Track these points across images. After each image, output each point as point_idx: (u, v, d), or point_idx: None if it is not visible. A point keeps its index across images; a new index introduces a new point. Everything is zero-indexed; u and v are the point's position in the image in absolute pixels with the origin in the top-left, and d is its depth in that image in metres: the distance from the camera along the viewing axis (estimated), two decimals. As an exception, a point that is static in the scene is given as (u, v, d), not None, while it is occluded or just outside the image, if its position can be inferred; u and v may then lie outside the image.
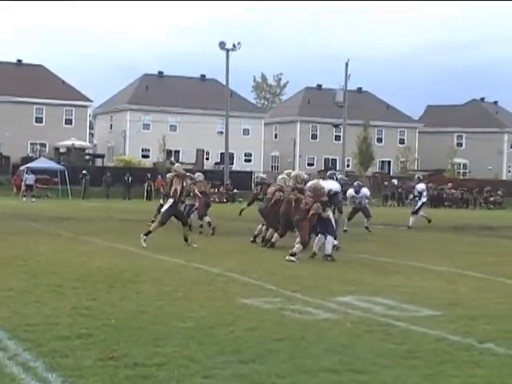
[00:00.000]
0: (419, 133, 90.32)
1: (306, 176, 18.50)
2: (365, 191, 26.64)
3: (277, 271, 13.85)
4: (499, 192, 66.78)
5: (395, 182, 61.38)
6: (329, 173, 18.56)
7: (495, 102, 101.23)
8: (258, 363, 6.96)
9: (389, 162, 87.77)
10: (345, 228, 24.28)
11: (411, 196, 29.94)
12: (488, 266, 15.88)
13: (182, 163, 35.98)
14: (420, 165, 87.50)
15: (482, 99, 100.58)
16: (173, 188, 18.14)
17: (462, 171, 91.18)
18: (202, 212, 23.03)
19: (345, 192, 24.32)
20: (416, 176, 30.99)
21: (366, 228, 26.01)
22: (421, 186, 29.80)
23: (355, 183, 27.05)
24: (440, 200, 63.87)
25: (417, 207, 29.22)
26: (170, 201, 18.07)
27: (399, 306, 10.41)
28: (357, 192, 26.23)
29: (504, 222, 34.23)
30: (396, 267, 15.35)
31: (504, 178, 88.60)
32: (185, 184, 18.71)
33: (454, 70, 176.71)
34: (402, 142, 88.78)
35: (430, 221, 29.23)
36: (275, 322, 8.94)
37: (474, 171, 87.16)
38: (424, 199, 29.43)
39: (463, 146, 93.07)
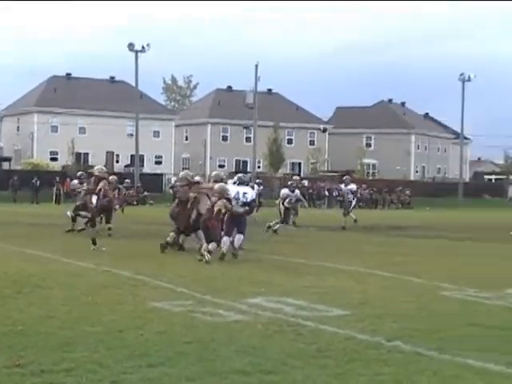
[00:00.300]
0: (329, 134, 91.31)
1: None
2: (297, 192, 27.82)
3: (187, 274, 13.78)
4: (407, 192, 67.99)
5: (305, 183, 61.98)
6: (236, 177, 18.57)
7: (403, 104, 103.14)
8: (168, 366, 6.91)
9: (299, 163, 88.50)
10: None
11: (343, 196, 30.29)
12: (396, 266, 16.14)
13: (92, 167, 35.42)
14: (330, 166, 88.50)
15: (390, 100, 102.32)
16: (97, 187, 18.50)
17: (371, 172, 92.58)
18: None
19: (303, 195, 25.22)
20: (345, 177, 31.55)
21: (294, 223, 27.70)
22: (353, 186, 30.45)
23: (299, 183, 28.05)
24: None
25: (352, 207, 29.74)
26: (95, 197, 18.32)
27: (310, 306, 10.47)
28: (292, 191, 27.30)
29: (412, 222, 34.86)
30: (307, 268, 15.45)
31: (412, 178, 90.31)
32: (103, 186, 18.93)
33: (363, 71, 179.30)
34: (312, 143, 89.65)
35: (355, 220, 29.53)
36: (185, 324, 8.90)
37: (382, 171, 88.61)
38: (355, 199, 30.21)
39: (372, 146, 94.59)
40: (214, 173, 19.99)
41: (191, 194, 17.68)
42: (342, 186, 29.97)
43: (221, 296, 11.07)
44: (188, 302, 10.55)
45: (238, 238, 16.89)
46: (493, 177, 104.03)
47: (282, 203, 26.76)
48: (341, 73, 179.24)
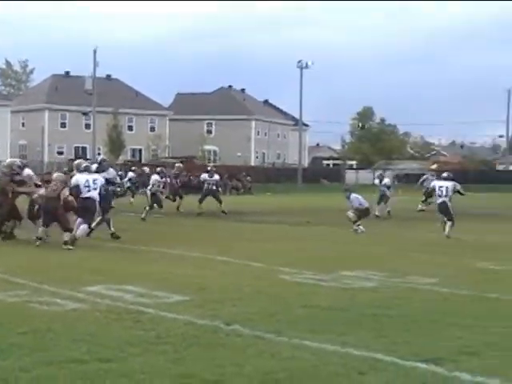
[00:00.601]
0: (170, 120, 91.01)
1: (19, 162, 18.74)
2: (217, 177, 29.74)
3: (24, 263, 13.47)
4: (248, 178, 68.68)
5: (146, 169, 61.49)
6: (84, 165, 18.27)
7: (242, 90, 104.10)
8: (1, 359, 6.72)
9: (140, 149, 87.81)
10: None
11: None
12: (236, 251, 16.31)
13: None
14: (171, 152, 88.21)
15: (230, 87, 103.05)
16: None
17: (212, 158, 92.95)
18: None
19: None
20: (209, 168, 31.93)
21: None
22: (217, 177, 30.65)
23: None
24: (190, 187, 64.54)
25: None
26: None
27: (150, 293, 10.43)
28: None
29: (252, 208, 35.20)
30: (150, 254, 15.41)
31: (252, 163, 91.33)
32: None
33: (203, 57, 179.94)
34: (152, 129, 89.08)
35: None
36: (20, 315, 8.68)
37: (223, 158, 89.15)
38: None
39: (213, 133, 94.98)
40: (76, 161, 19.48)
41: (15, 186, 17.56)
42: (206, 176, 29.84)
43: (59, 285, 10.87)
44: (23, 291, 10.30)
45: (82, 228, 16.76)
46: (331, 162, 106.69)
47: (150, 189, 27.14)
48: (181, 59, 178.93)
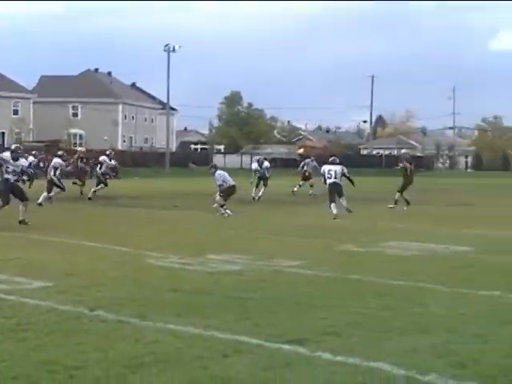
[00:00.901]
0: (34, 103, 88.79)
1: None
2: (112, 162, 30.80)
3: None
4: (115, 163, 67.79)
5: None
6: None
7: (109, 73, 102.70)
8: None
9: (3, 133, 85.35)
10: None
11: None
12: (103, 235, 16.15)
13: None
14: (36, 136, 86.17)
15: (96, 70, 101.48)
16: None
17: (78, 142, 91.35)
18: None
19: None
20: (108, 151, 32.03)
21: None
22: (103, 158, 31.02)
23: None
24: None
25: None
26: None
27: (11, 279, 10.20)
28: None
29: (120, 192, 34.55)
30: (15, 240, 15.06)
31: (119, 147, 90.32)
32: None
33: (69, 40, 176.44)
34: (15, 112, 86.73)
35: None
36: None
37: (90, 142, 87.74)
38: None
39: (79, 116, 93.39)
40: None
41: None
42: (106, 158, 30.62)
43: None
44: None
45: None
46: (199, 146, 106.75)
47: (54, 174, 26.53)
48: (46, 41, 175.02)
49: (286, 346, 6.86)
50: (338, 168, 22.33)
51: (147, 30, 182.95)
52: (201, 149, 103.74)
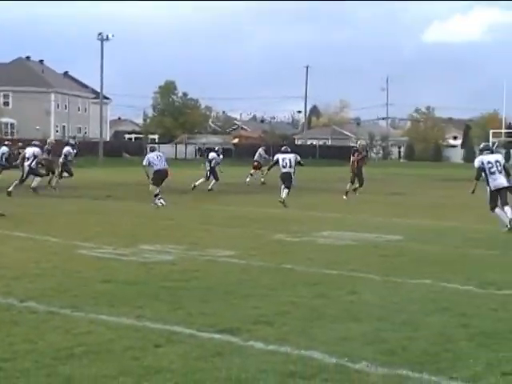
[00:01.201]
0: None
1: None
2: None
3: None
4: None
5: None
6: None
7: (41, 61, 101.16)
8: None
9: None
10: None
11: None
12: (33, 226, 15.98)
13: None
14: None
15: (28, 58, 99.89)
16: None
17: (9, 131, 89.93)
18: None
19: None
20: (69, 139, 31.76)
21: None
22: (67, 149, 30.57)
23: None
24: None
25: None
26: None
27: None
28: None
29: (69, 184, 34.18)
30: None
31: (52, 137, 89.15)
32: None
33: (0, 25, 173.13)
34: None
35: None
36: None
37: (21, 131, 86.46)
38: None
39: (10, 105, 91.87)
40: None
41: None
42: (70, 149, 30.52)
43: None
44: None
45: None
46: (133, 136, 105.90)
47: (29, 165, 26.38)
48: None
49: (218, 336, 6.88)
50: (292, 156, 23.20)
51: (80, 17, 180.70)
52: (135, 138, 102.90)
